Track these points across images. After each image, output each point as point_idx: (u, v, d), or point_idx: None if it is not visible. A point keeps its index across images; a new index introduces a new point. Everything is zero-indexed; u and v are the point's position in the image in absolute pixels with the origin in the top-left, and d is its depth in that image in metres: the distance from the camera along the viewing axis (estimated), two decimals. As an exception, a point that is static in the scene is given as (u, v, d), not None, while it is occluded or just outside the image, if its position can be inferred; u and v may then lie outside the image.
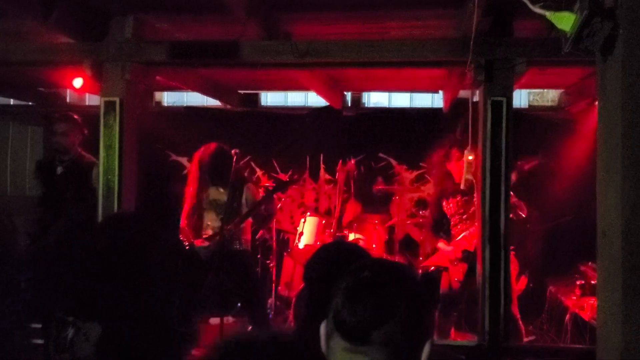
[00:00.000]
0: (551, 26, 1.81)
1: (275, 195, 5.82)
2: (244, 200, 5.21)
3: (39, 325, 4.05)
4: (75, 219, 4.93)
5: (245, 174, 5.98)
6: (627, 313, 1.78)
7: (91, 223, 4.91)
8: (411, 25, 4.62)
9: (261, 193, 5.57)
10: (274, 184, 6.62)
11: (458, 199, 5.35)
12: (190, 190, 5.30)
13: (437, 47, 4.28)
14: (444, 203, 5.42)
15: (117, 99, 4.40)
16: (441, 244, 5.47)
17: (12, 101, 7.88)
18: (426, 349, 1.34)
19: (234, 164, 5.05)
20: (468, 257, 5.21)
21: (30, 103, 7.65)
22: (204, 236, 5.21)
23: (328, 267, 2.17)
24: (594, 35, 1.57)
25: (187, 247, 5.13)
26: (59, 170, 5.17)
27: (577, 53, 1.69)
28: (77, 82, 4.97)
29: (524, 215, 5.61)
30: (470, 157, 4.31)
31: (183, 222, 5.31)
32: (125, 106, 4.42)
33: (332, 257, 2.26)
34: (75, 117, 5.11)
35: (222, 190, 5.16)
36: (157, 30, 4.72)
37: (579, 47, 1.63)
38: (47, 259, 4.85)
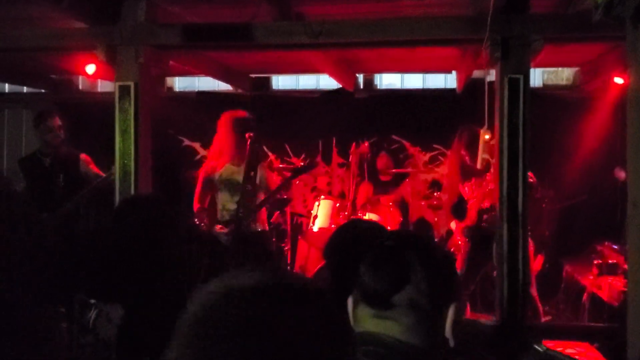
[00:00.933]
0: (573, 6, 1.75)
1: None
2: (258, 182, 5.17)
3: (63, 309, 4.09)
4: (76, 204, 5.01)
5: (260, 154, 5.95)
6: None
7: (95, 209, 4.99)
8: (426, 3, 4.56)
9: (275, 175, 5.55)
10: (289, 169, 6.62)
11: (472, 181, 5.32)
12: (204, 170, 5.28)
13: (452, 25, 4.22)
14: (460, 187, 5.40)
15: (131, 83, 4.37)
16: (453, 224, 5.48)
17: (25, 89, 7.90)
18: (451, 312, 1.36)
19: (247, 146, 5.03)
20: (468, 233, 5.22)
21: (42, 90, 7.66)
22: (220, 220, 5.20)
23: (347, 247, 2.17)
24: (626, 2, 1.54)
25: (206, 232, 5.11)
26: (47, 162, 5.24)
27: (607, 21, 1.65)
28: (90, 69, 4.96)
29: (537, 195, 5.58)
30: (486, 137, 4.27)
31: (195, 205, 5.28)
32: (139, 90, 4.40)
33: (350, 236, 2.26)
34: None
35: (235, 168, 5.11)
36: (169, 13, 4.69)
37: (610, 15, 1.59)
38: (66, 243, 4.90)
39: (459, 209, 5.41)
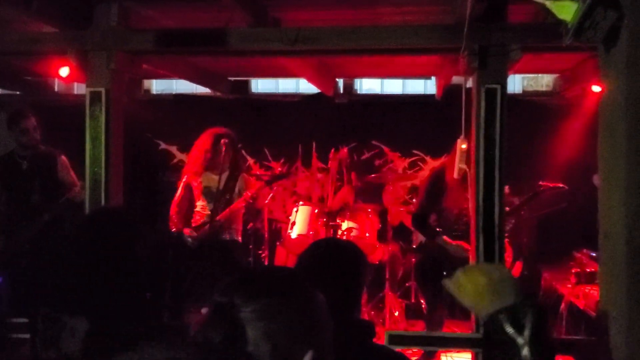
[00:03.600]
0: (551, 15, 1.70)
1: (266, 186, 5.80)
2: (237, 191, 5.23)
3: (26, 320, 3.99)
4: (54, 214, 4.91)
5: (242, 164, 5.98)
6: (631, 319, 1.69)
7: (70, 217, 4.89)
8: (404, 10, 4.50)
9: (253, 182, 5.52)
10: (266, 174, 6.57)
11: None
12: (185, 177, 5.31)
13: (430, 33, 4.17)
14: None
15: (102, 90, 4.27)
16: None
17: (-1, 91, 7.76)
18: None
19: (223, 152, 5.08)
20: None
21: (17, 92, 7.52)
22: (193, 224, 5.21)
23: (316, 265, 2.13)
24: (597, 25, 1.48)
25: (175, 236, 5.13)
26: (25, 165, 5.11)
27: (578, 45, 1.59)
28: (64, 72, 4.86)
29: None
30: (463, 146, 4.22)
31: (173, 210, 5.29)
32: (111, 96, 4.30)
33: (321, 255, 2.21)
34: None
35: (215, 177, 5.15)
36: (142, 17, 4.59)
37: (580, 38, 1.53)
38: (29, 256, 4.80)
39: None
